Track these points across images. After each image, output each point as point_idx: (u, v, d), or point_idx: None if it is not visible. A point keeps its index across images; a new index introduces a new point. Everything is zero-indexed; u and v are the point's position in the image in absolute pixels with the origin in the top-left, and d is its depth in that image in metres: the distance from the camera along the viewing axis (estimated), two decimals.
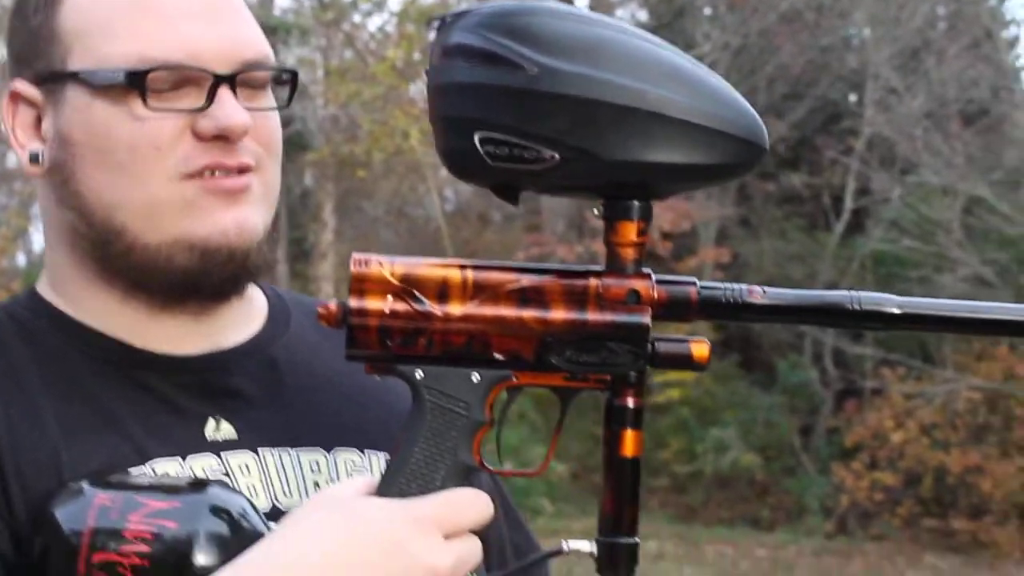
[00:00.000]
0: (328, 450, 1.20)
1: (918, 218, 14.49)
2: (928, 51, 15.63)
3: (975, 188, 14.14)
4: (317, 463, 1.18)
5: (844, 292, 1.01)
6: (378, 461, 1.20)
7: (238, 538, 1.02)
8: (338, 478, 1.18)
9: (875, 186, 15.81)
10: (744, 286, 1.00)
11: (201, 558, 1.00)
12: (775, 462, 15.17)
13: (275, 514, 1.10)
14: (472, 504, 1.00)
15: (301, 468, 1.17)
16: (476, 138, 0.96)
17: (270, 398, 1.20)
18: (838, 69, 16.16)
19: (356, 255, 0.99)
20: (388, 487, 1.01)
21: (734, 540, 13.83)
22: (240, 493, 1.10)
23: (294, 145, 15.54)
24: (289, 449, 1.17)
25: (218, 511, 1.04)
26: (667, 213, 13.60)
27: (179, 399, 1.15)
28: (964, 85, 15.30)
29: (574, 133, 0.96)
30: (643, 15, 17.80)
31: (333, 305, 0.99)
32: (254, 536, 1.02)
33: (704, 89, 0.97)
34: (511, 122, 0.95)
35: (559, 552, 1.01)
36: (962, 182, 14.22)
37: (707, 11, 17.65)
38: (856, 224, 15.98)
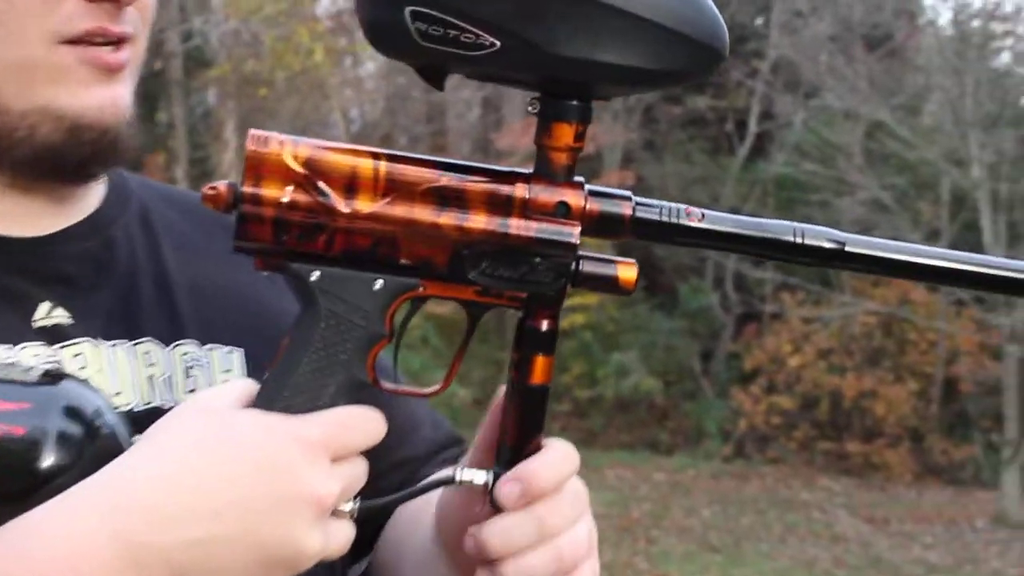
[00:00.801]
0: (167, 343, 1.11)
1: (820, 142, 14.58)
2: None
3: (876, 113, 14.24)
4: (151, 355, 1.10)
5: (788, 223, 0.92)
6: (220, 357, 1.13)
7: (93, 442, 0.93)
8: (175, 373, 1.10)
9: (779, 110, 15.87)
10: (681, 206, 0.91)
11: (49, 460, 0.91)
12: (675, 386, 15.32)
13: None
14: (364, 424, 0.90)
15: (137, 360, 1.09)
16: (407, 12, 0.84)
17: (105, 283, 1.11)
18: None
19: (254, 132, 0.88)
20: (269, 400, 0.90)
21: (634, 464, 13.95)
22: (95, 390, 0.99)
23: (195, 61, 15.19)
24: (125, 341, 1.09)
25: (72, 412, 0.94)
26: None
27: (12, 282, 1.06)
28: (869, 9, 15.34)
29: (518, 19, 0.84)
30: None
31: (223, 187, 0.88)
32: (111, 440, 0.94)
33: None
34: (453, 0, 0.83)
35: (449, 481, 0.93)
36: (864, 106, 14.31)
37: None
38: (759, 148, 16.07)
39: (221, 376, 1.12)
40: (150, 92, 15.95)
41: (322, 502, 0.85)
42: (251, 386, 0.91)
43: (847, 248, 0.92)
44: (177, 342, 1.11)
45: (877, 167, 14.67)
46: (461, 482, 0.93)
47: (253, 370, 1.13)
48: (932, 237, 14.89)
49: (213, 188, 0.88)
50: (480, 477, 0.92)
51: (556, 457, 0.93)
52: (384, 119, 16.47)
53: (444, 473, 0.95)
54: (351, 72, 17.50)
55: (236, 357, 1.14)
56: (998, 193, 14.41)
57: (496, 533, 0.91)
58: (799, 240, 0.91)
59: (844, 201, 14.49)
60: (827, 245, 0.92)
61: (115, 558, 0.81)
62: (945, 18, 17.94)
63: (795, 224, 0.92)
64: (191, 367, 1.11)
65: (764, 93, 15.65)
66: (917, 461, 15.78)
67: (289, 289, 0.94)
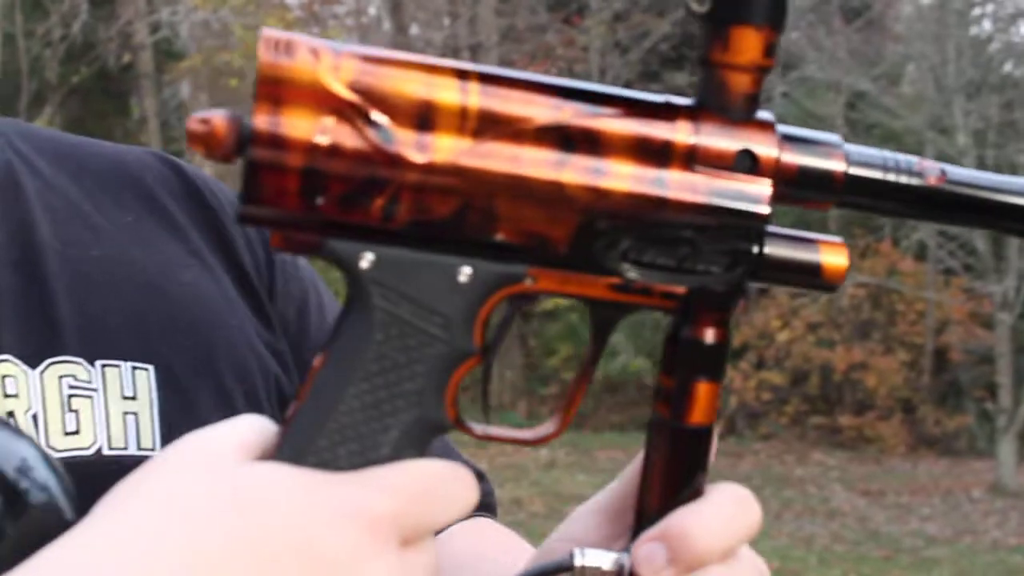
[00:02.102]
0: (33, 363, 0.81)
1: (803, 113, 14.47)
2: None
3: (858, 83, 14.16)
4: (9, 381, 0.80)
5: None
6: (119, 379, 0.83)
7: (17, 515, 0.64)
8: (46, 407, 0.79)
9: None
10: (912, 158, 0.66)
11: None
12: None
13: None
14: (450, 490, 0.60)
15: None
16: None
17: None
18: None
19: (270, 32, 0.58)
20: (299, 450, 0.60)
21: (625, 445, 13.82)
22: (19, 434, 0.71)
23: (165, 53, 15.09)
24: None
25: None
26: None
27: None
28: None
29: None
30: None
31: (220, 120, 0.58)
32: (45, 511, 0.65)
33: None
34: None
35: (567, 567, 0.66)
36: (846, 77, 14.23)
37: None
38: None
39: (121, 407, 0.83)
40: (122, 86, 15.79)
41: None
42: (265, 427, 0.62)
43: None
44: (50, 360, 0.82)
45: (861, 137, 14.56)
46: (584, 569, 0.66)
47: (168, 397, 0.84)
48: None
49: (204, 122, 0.58)
50: (609, 561, 0.66)
51: (722, 507, 0.66)
52: None
53: (559, 558, 0.68)
54: None
55: (144, 378, 0.84)
56: (984, 159, 14.31)
57: None
58: None
59: None
60: None
61: None
62: None
63: None
64: (73, 396, 0.81)
65: None
66: (910, 432, 15.72)
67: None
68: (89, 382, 0.82)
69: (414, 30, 17.17)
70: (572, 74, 14.74)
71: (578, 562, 0.66)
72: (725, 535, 0.65)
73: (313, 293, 0.98)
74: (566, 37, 15.79)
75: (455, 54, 16.00)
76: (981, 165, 14.40)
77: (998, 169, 14.73)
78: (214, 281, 0.91)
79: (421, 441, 0.62)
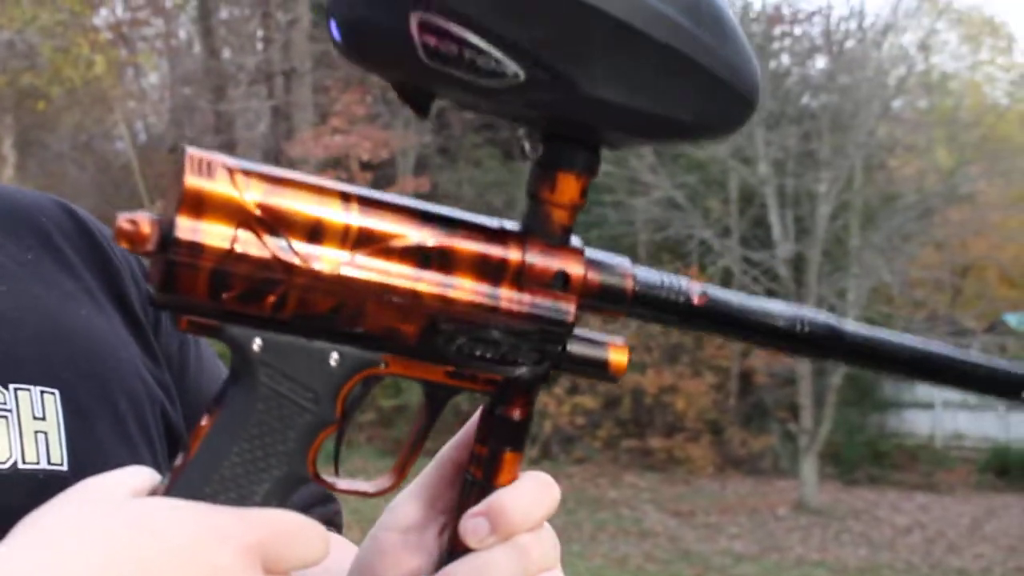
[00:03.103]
0: None
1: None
2: None
3: None
4: None
5: (790, 309, 0.79)
6: (30, 402, 0.88)
7: None
8: None
9: None
10: (683, 280, 0.78)
11: None
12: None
13: None
14: (306, 538, 0.71)
15: None
16: (414, 21, 0.65)
17: None
18: None
19: (193, 152, 0.67)
20: (188, 494, 0.71)
21: None
22: None
23: None
24: None
25: None
26: (365, 143, 13.34)
27: None
28: None
29: (559, 50, 0.66)
30: None
31: (145, 222, 0.66)
32: None
33: (722, 24, 0.69)
34: (478, 15, 0.64)
35: None
36: None
37: None
38: None
39: (32, 426, 0.87)
40: None
41: None
42: (152, 476, 0.72)
43: (846, 340, 0.79)
44: None
45: (668, 166, 14.94)
46: None
47: (72, 419, 0.89)
48: (724, 234, 15.23)
49: (132, 222, 0.66)
50: None
51: (533, 487, 0.78)
52: (170, 131, 16.02)
53: None
54: (134, 84, 16.98)
55: (51, 401, 0.89)
56: (784, 188, 14.84)
57: (469, 569, 0.76)
58: (801, 329, 0.79)
59: (639, 200, 14.71)
60: (839, 330, 0.79)
61: None
62: None
63: (797, 310, 0.79)
64: None
65: None
66: (718, 453, 16.14)
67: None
68: (4, 403, 0.87)
69: (226, 54, 16.95)
70: (386, 101, 14.74)
71: None
72: (534, 509, 0.77)
73: (196, 346, 1.08)
74: None
75: (268, 79, 15.88)
76: (781, 193, 14.91)
77: (796, 197, 15.30)
78: (106, 318, 0.96)
79: (286, 493, 0.73)
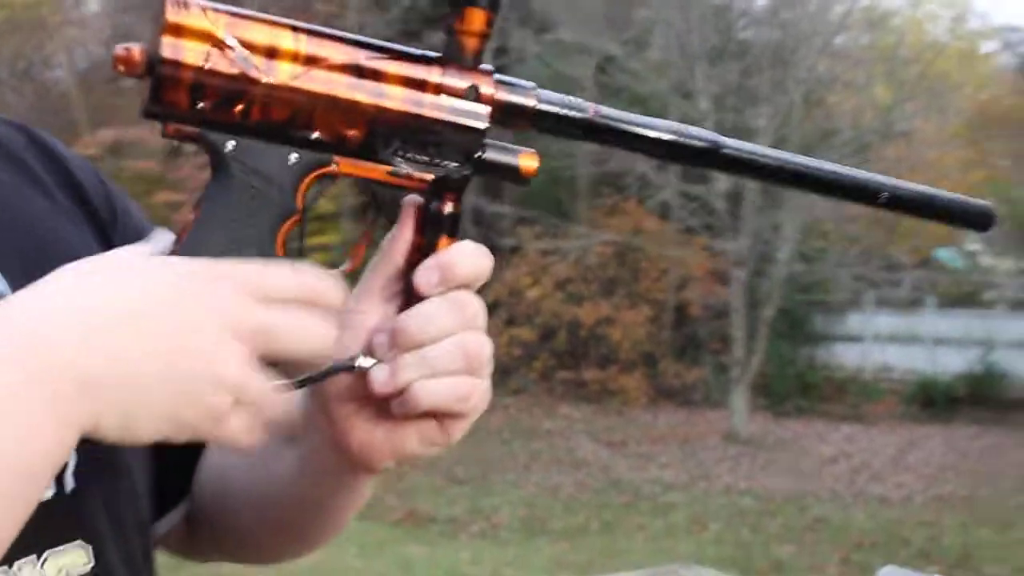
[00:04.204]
0: None
1: (554, 76, 14.78)
2: None
3: (608, 47, 14.52)
4: None
5: (672, 124, 0.95)
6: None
7: None
8: None
9: (513, 44, 15.97)
10: (585, 102, 0.93)
11: None
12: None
13: None
14: (292, 273, 0.84)
15: None
16: None
17: None
18: None
19: None
20: None
21: None
22: None
23: None
24: None
25: None
26: None
27: None
28: None
29: None
30: None
31: (136, 49, 0.83)
32: None
33: None
34: None
35: (350, 367, 0.91)
36: (596, 40, 14.57)
37: None
38: None
39: None
40: None
41: (246, 324, 0.80)
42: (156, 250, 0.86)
43: (722, 150, 0.95)
44: None
45: (610, 100, 14.97)
46: (361, 368, 0.91)
47: None
48: (662, 168, 15.34)
49: (125, 50, 0.84)
50: (369, 362, 0.91)
51: (472, 249, 0.92)
52: (110, 59, 15.79)
53: (344, 360, 0.91)
54: (74, 11, 16.70)
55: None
56: (724, 123, 14.94)
57: (417, 315, 0.90)
58: (683, 140, 0.94)
59: None
60: (705, 145, 0.95)
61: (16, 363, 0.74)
62: None
63: (680, 125, 0.94)
64: None
65: (499, 27, 15.68)
66: (651, 385, 16.37)
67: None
68: None
69: None
70: (333, 16, 14.60)
71: (359, 364, 0.91)
72: (474, 266, 0.92)
73: (148, 229, 1.16)
74: None
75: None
76: (720, 128, 14.92)
77: (736, 132, 15.32)
78: (78, 232, 1.06)
79: None
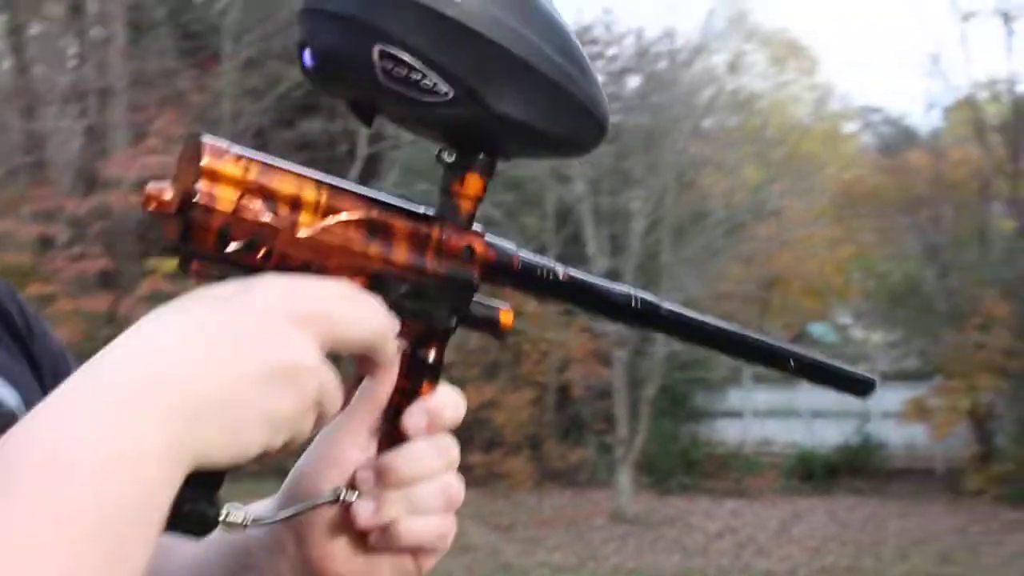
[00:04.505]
0: None
1: (430, 161, 14.83)
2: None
3: None
4: None
5: (625, 289, 1.02)
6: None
7: None
8: None
9: (389, 131, 16.08)
10: (557, 265, 1.00)
11: None
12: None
13: None
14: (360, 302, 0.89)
15: None
16: (375, 50, 0.88)
17: None
18: None
19: (209, 140, 0.88)
20: None
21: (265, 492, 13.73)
22: None
23: None
24: None
25: None
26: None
27: None
28: None
29: (476, 74, 0.90)
30: None
31: (169, 190, 0.87)
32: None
33: (586, 65, 0.95)
34: (423, 46, 0.88)
35: (336, 500, 0.95)
36: None
37: None
38: (371, 169, 16.25)
39: None
40: None
41: (299, 308, 0.84)
42: None
43: (663, 313, 1.03)
44: None
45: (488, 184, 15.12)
46: (342, 500, 0.95)
47: None
48: (540, 250, 15.47)
49: (157, 190, 0.87)
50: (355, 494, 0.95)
51: (455, 397, 0.97)
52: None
53: (329, 493, 0.95)
54: None
55: None
56: (599, 206, 15.21)
57: (407, 455, 0.94)
58: (636, 306, 1.02)
59: None
60: (661, 311, 1.03)
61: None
62: None
63: (631, 289, 1.02)
64: None
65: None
66: (537, 467, 16.38)
67: None
68: None
69: (38, 71, 16.53)
70: (205, 119, 14.57)
71: (343, 497, 0.94)
72: (456, 412, 0.97)
73: (64, 356, 1.21)
74: (198, 83, 15.61)
75: (82, 98, 15.54)
76: (596, 210, 15.27)
77: (611, 214, 15.69)
78: (20, 367, 1.09)
79: None
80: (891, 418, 18.30)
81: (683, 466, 17.35)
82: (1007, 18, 17.81)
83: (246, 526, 0.89)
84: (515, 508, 14.70)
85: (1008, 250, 17.75)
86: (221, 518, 0.88)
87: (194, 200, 0.86)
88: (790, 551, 12.62)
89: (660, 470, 16.71)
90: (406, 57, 0.87)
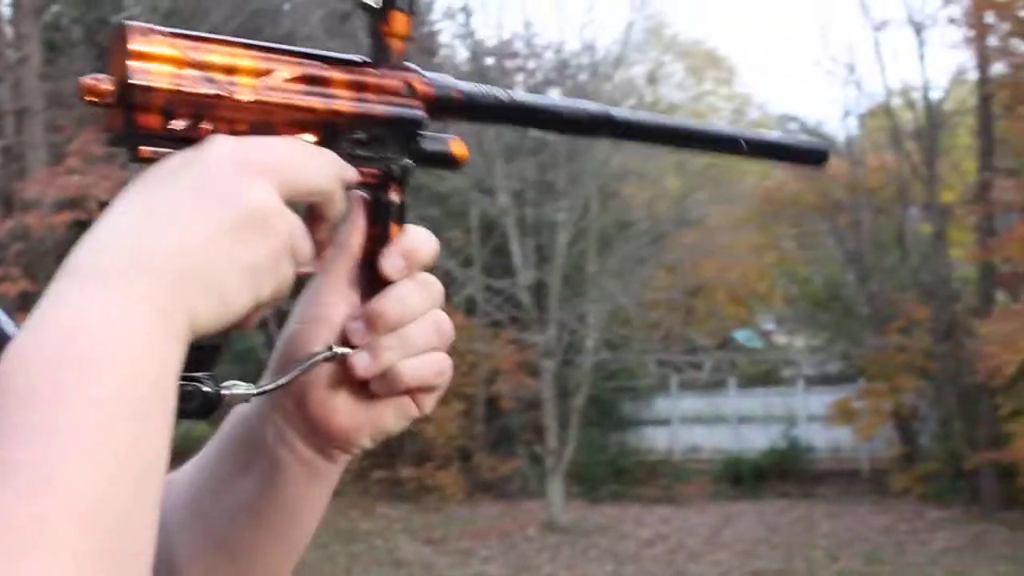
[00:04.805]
0: None
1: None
2: (358, 15, 16.09)
3: None
4: None
5: (571, 103, 1.04)
6: None
7: None
8: None
9: None
10: (495, 88, 1.01)
11: None
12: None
13: None
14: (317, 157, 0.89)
15: None
16: None
17: None
18: (271, 33, 16.19)
19: (132, 24, 0.87)
20: None
21: None
22: None
23: None
24: None
25: None
26: (103, 182, 13.03)
27: None
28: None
29: None
30: None
31: (105, 79, 0.86)
32: None
33: None
34: None
35: (332, 356, 0.94)
36: None
37: None
38: None
39: None
40: None
41: (249, 158, 0.85)
42: None
43: (616, 118, 1.05)
44: None
45: (411, 197, 15.11)
46: (337, 355, 0.94)
47: None
48: (466, 264, 15.55)
49: (93, 80, 0.86)
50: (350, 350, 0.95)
51: (427, 234, 0.97)
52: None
53: (318, 350, 0.95)
54: None
55: None
56: (524, 218, 15.26)
57: (392, 298, 0.94)
58: (583, 115, 1.04)
59: None
60: (603, 117, 1.05)
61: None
62: (462, 56, 18.80)
63: (579, 102, 1.04)
64: None
65: None
66: (468, 479, 16.38)
67: None
68: None
69: None
70: None
71: (338, 351, 0.94)
72: (430, 248, 0.97)
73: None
74: None
75: None
76: (521, 222, 15.33)
77: (536, 226, 15.77)
78: None
79: None
80: (816, 421, 18.54)
81: (613, 474, 17.44)
82: (918, 28, 18.12)
83: (248, 398, 0.90)
84: (447, 521, 14.68)
85: (926, 254, 18.06)
86: (224, 392, 0.88)
87: (131, 82, 0.86)
88: (721, 556, 12.73)
89: (591, 479, 16.79)
90: None
